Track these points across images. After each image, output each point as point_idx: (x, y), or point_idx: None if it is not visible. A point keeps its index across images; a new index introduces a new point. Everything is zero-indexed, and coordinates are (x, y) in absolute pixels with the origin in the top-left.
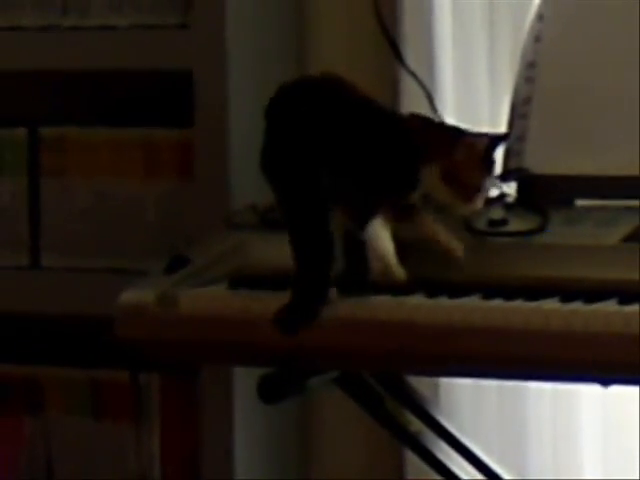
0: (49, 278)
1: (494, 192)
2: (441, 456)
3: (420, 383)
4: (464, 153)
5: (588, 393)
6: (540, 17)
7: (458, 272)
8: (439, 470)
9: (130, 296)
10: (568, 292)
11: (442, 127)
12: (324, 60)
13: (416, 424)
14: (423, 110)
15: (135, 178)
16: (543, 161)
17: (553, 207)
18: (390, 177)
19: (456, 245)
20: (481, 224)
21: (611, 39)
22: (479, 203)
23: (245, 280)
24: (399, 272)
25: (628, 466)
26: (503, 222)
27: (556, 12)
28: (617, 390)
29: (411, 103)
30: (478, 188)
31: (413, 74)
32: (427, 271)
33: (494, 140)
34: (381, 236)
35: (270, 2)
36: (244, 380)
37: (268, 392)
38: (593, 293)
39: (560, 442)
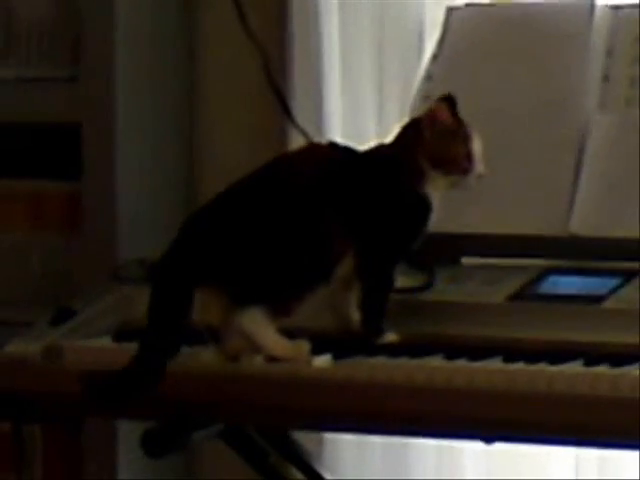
0: None
1: None
2: None
3: (305, 438)
4: (432, 130)
5: (471, 449)
6: (429, 77)
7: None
8: None
9: (15, 347)
10: (452, 349)
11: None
12: (214, 116)
13: (299, 479)
14: None
15: (21, 230)
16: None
17: (439, 265)
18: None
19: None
20: None
21: (499, 99)
22: (478, 168)
23: (130, 333)
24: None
25: None
26: None
27: (444, 72)
28: (500, 446)
29: None
30: (467, 153)
31: (302, 130)
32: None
33: (449, 100)
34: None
35: (160, 57)
36: (128, 433)
37: (152, 446)
38: (478, 351)
39: None
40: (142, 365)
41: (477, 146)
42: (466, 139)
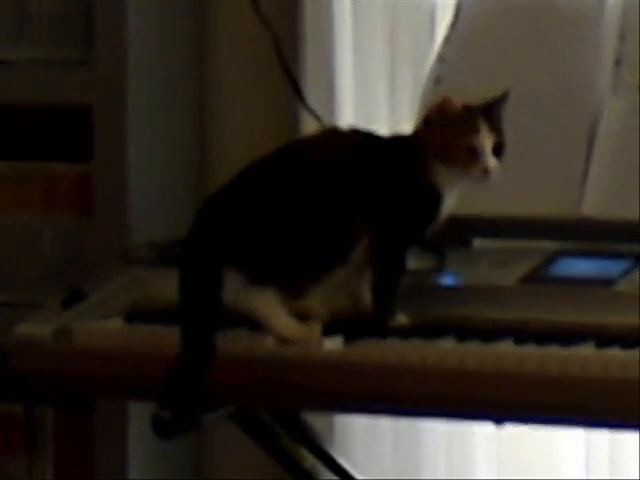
0: None
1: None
2: None
3: (315, 420)
4: (439, 121)
5: (482, 432)
6: (441, 59)
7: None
8: None
9: (26, 329)
10: (464, 331)
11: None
12: (225, 98)
13: (310, 460)
14: None
15: (33, 212)
16: None
17: (450, 247)
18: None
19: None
20: None
21: (511, 82)
22: (484, 163)
23: (141, 315)
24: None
25: None
26: None
27: (457, 54)
28: (510, 429)
29: None
30: (470, 147)
31: (313, 112)
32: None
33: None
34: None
35: (172, 39)
36: (139, 415)
37: (163, 428)
38: (489, 333)
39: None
40: (196, 351)
41: (486, 140)
42: (472, 132)
